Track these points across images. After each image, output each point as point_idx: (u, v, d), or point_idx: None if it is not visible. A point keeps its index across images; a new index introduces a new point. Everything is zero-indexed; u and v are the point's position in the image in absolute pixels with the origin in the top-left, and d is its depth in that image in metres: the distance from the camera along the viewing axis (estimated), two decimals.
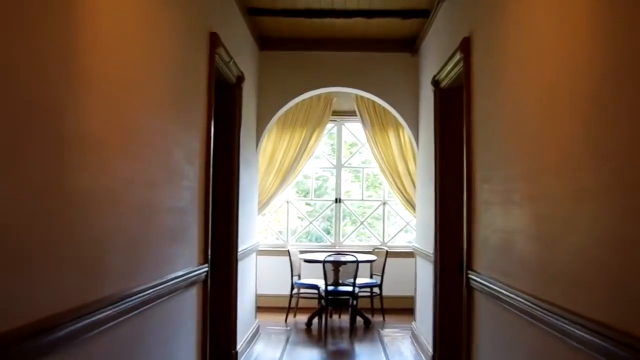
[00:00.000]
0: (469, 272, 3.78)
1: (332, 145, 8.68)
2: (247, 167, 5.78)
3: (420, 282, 6.05)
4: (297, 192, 8.83)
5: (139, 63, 2.64)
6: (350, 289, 6.67)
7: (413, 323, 6.39)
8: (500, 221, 3.18)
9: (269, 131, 7.89)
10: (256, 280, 6.44)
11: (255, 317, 6.47)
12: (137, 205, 2.58)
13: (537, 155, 2.57)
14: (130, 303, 2.43)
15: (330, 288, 6.67)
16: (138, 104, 2.63)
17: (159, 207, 2.93)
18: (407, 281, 7.25)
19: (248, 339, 5.84)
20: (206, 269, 3.87)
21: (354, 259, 6.62)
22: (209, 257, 3.94)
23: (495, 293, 3.19)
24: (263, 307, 7.45)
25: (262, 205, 7.92)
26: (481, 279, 3.52)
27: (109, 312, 2.20)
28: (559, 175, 2.31)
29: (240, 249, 5.25)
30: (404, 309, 7.40)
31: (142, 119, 2.68)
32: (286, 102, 6.44)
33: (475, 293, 3.72)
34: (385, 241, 8.38)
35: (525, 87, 2.75)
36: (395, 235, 8.50)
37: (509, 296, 2.94)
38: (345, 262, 6.75)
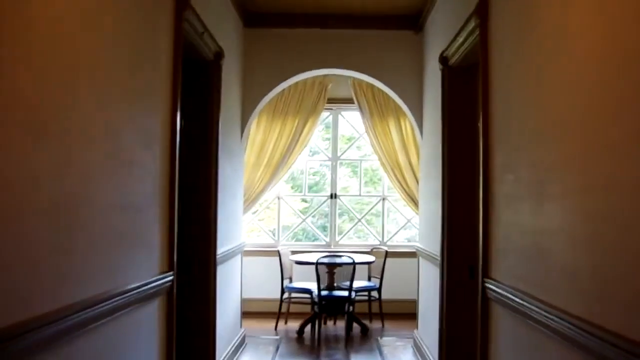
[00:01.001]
0: (486, 280, 3.14)
1: (327, 139, 8.02)
2: (230, 158, 5.13)
3: (424, 287, 5.41)
4: (293, 188, 8.18)
5: (62, 11, 1.99)
6: (346, 293, 6.02)
7: (415, 331, 5.74)
8: (530, 219, 2.53)
9: (258, 120, 7.26)
10: (241, 284, 5.78)
11: (241, 326, 5.82)
12: (51, 202, 1.92)
13: (592, 132, 1.91)
14: (35, 336, 1.77)
15: (324, 293, 6.02)
16: (62, 66, 1.98)
17: (95, 204, 2.27)
18: (408, 283, 6.63)
19: (232, 350, 5.20)
20: (171, 277, 3.22)
21: (350, 260, 5.97)
22: (175, 262, 3.29)
23: (522, 308, 2.55)
24: (251, 312, 6.83)
25: (251, 202, 7.27)
26: (502, 289, 2.88)
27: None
28: (629, 157, 1.66)
29: (220, 251, 4.60)
30: (405, 313, 6.78)
31: (68, 88, 2.03)
32: (275, 86, 5.77)
33: (494, 306, 3.08)
34: (385, 240, 7.72)
35: (574, 46, 2.10)
36: (395, 234, 7.84)
37: (543, 315, 2.30)
38: (340, 264, 6.11)
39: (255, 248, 7.42)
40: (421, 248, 5.48)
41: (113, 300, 2.40)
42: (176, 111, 3.29)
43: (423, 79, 5.59)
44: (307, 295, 6.46)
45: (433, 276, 4.82)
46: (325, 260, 6.06)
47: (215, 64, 4.40)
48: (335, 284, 6.19)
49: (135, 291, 2.67)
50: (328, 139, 7.94)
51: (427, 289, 5.21)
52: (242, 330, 5.81)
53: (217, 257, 4.48)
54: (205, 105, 4.38)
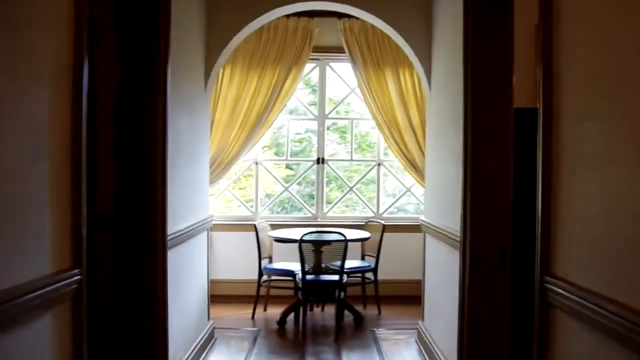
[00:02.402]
0: (548, 279, 2.11)
1: (314, 103, 6.89)
2: (189, 111, 4.04)
3: (432, 271, 4.41)
4: (277, 154, 7.06)
5: None
6: (336, 277, 5.01)
7: (420, 323, 4.76)
8: None
9: (231, 72, 6.17)
10: (208, 269, 4.75)
11: (209, 318, 4.80)
12: None
13: None
14: None
15: (309, 277, 5.00)
16: None
17: None
18: (408, 262, 5.74)
19: (195, 352, 4.19)
20: (78, 277, 2.17)
21: (341, 237, 4.94)
22: (85, 255, 2.23)
23: (631, 335, 1.54)
24: (223, 295, 5.81)
25: (224, 168, 6.19)
26: (579, 296, 1.86)
27: None
28: None
29: (174, 229, 3.55)
30: (405, 296, 5.85)
31: None
32: (247, 23, 4.60)
33: (560, 316, 2.06)
34: (381, 212, 6.68)
35: None
36: (392, 204, 6.80)
37: None
38: (329, 242, 5.07)
39: (229, 221, 6.37)
40: (429, 223, 4.45)
41: None
42: (82, 37, 2.18)
43: (433, 12, 4.47)
44: (290, 278, 5.43)
45: (446, 259, 3.81)
46: (311, 237, 5.02)
47: None
48: (323, 265, 5.16)
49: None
50: (314, 104, 6.79)
51: (437, 275, 4.21)
52: (210, 323, 4.79)
53: (169, 238, 3.42)
54: (148, 37, 3.26)
